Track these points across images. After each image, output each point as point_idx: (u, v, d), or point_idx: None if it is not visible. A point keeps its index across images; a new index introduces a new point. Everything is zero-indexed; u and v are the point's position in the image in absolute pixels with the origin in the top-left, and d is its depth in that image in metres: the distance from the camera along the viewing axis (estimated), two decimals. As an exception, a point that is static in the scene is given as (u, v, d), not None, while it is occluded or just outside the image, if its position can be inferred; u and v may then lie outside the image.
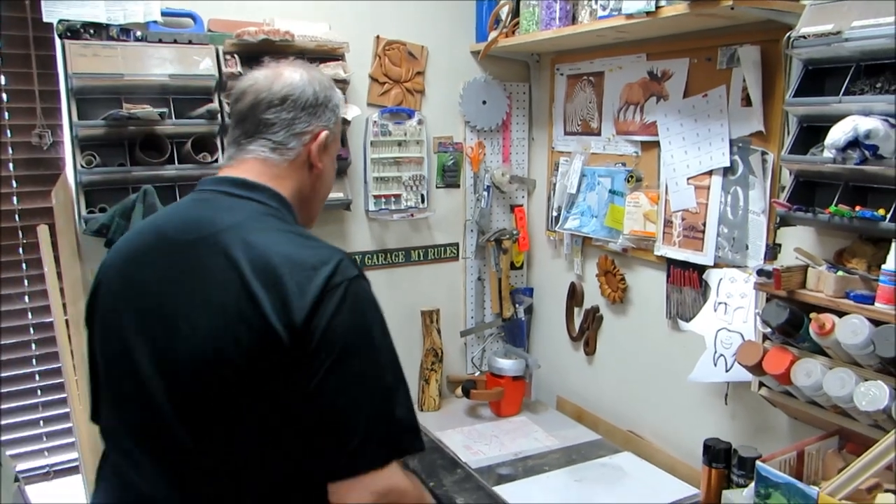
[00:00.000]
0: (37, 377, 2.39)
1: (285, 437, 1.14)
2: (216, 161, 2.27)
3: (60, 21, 2.07)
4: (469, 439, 2.50)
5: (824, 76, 1.72)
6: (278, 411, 1.13)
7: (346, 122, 2.44)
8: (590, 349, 2.71)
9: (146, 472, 1.19)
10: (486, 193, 2.86)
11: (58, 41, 2.10)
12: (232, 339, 1.10)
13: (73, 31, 2.08)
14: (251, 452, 1.15)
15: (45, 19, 2.06)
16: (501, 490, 2.12)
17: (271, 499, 1.17)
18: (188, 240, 1.20)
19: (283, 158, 1.30)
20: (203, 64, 2.23)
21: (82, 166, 2.12)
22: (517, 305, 2.97)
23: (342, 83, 2.43)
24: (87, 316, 1.35)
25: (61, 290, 2.18)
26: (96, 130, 2.12)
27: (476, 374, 2.92)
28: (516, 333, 2.98)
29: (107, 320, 1.27)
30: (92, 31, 2.11)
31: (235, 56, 2.28)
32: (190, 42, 2.24)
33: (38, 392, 2.40)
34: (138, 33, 2.17)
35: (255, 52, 2.32)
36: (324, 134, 1.33)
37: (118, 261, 1.29)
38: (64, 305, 2.18)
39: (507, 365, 2.73)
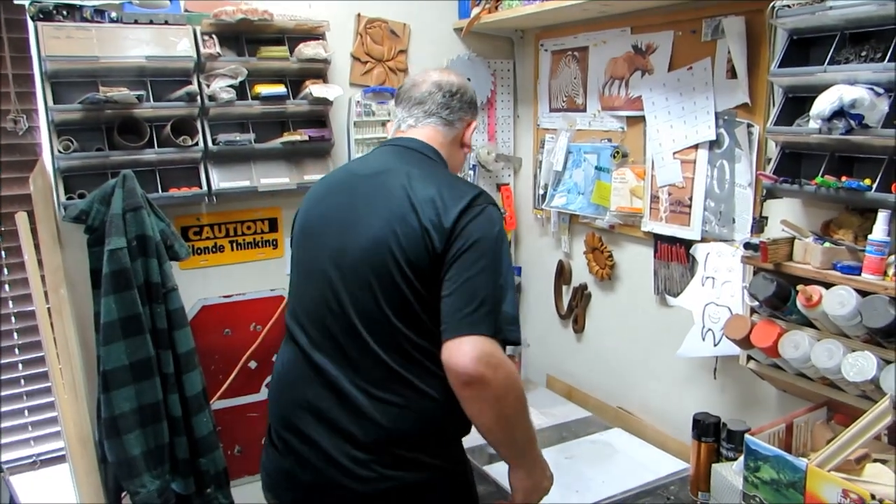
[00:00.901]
0: (20, 366, 2.37)
1: (423, 308, 1.49)
2: (196, 144, 2.24)
3: (32, 3, 2.02)
4: (459, 419, 2.49)
5: (809, 46, 1.71)
6: (421, 288, 1.48)
7: (327, 103, 2.41)
8: (578, 327, 2.71)
9: (316, 342, 1.58)
10: (471, 172, 2.83)
11: (30, 23, 2.05)
12: (391, 231, 1.49)
13: (46, 13, 2.04)
14: (396, 322, 1.49)
15: (16, 1, 2.02)
16: (492, 469, 2.11)
17: (408, 364, 1.51)
18: (373, 172, 1.63)
19: (447, 131, 1.73)
20: (180, 45, 2.19)
21: (59, 152, 2.08)
22: (505, 285, 2.95)
23: (322, 63, 2.40)
24: (291, 236, 1.76)
25: (42, 277, 2.15)
26: (73, 115, 2.09)
27: None
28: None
29: (305, 235, 1.68)
30: (65, 13, 2.06)
31: (213, 36, 2.25)
32: (166, 23, 2.20)
33: (22, 381, 2.38)
34: (113, 14, 2.12)
35: (234, 32, 2.30)
36: (474, 123, 1.79)
37: (320, 191, 1.75)
38: (46, 293, 2.15)
39: None
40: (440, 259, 1.46)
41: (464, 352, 1.38)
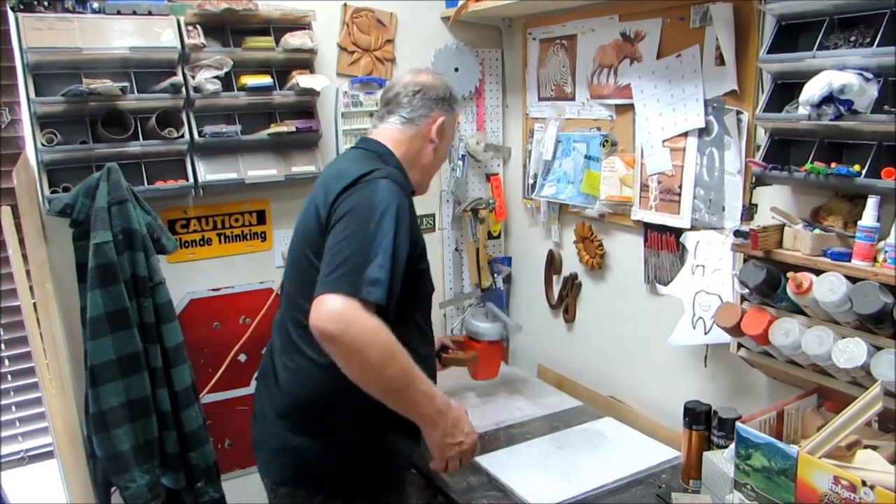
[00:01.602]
0: (6, 362, 2.35)
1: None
2: (182, 136, 2.22)
3: (12, -7, 1.99)
4: (450, 410, 2.48)
5: (798, 32, 1.70)
6: (317, 262, 1.60)
7: (314, 93, 2.39)
8: (569, 316, 2.70)
9: (276, 321, 1.88)
10: (461, 163, 2.82)
11: (11, 14, 2.02)
12: (302, 218, 1.78)
13: (27, 4, 2.01)
14: (298, 296, 1.69)
15: (-5, -8, 1.99)
16: (483, 460, 2.11)
17: (300, 332, 1.68)
18: (329, 174, 1.79)
19: (408, 128, 1.85)
20: (164, 36, 2.16)
21: (43, 145, 2.06)
22: (496, 275, 2.95)
23: (309, 53, 2.38)
24: None
25: (27, 272, 2.13)
26: (56, 107, 2.06)
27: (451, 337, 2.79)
28: (496, 303, 2.96)
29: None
30: (46, 4, 2.04)
31: (198, 27, 2.22)
32: (150, 13, 2.17)
33: (9, 377, 2.35)
34: (95, 5, 2.10)
35: (218, 23, 2.27)
36: (441, 119, 1.86)
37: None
38: (31, 288, 2.13)
39: (484, 328, 2.55)
40: (325, 233, 1.61)
41: (318, 310, 1.47)
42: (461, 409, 1.72)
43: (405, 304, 1.64)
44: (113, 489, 2.15)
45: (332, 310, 1.46)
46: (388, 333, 1.49)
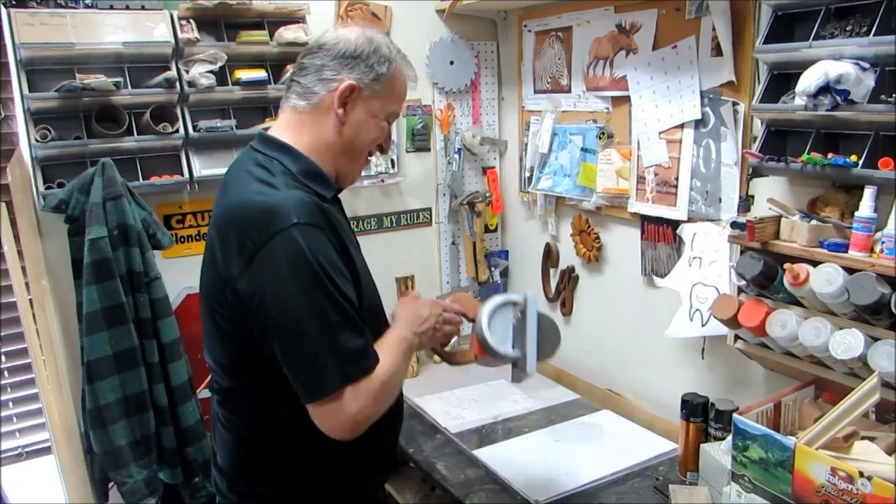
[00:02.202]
0: (2, 358, 2.34)
1: None
2: (177, 132, 2.21)
3: (4, -12, 1.99)
4: (448, 405, 2.48)
5: (794, 22, 1.69)
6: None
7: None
8: (566, 309, 2.70)
9: None
10: (457, 156, 2.82)
11: (3, 10, 2.01)
12: (211, 278, 1.43)
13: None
14: (218, 356, 1.53)
15: (-14, -13, 1.98)
16: (481, 453, 2.11)
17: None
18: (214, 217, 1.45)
19: (307, 104, 1.42)
20: (157, 30, 2.15)
21: (37, 140, 2.05)
22: (493, 269, 2.94)
23: (303, 46, 2.36)
24: None
25: (23, 268, 2.12)
26: (49, 103, 2.06)
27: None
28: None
29: None
30: (38, -1, 2.03)
31: (191, 21, 2.21)
32: (143, 8, 2.17)
33: (6, 373, 2.35)
34: (87, 0, 2.08)
35: (212, 17, 2.26)
36: (346, 84, 1.40)
37: None
38: (27, 284, 2.13)
39: (504, 350, 1.80)
40: (239, 303, 1.37)
41: (325, 426, 1.35)
42: (412, 309, 1.55)
43: None
44: (110, 485, 2.15)
45: (340, 421, 1.31)
46: (379, 386, 1.35)
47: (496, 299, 1.66)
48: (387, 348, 1.42)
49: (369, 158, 1.56)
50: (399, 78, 1.48)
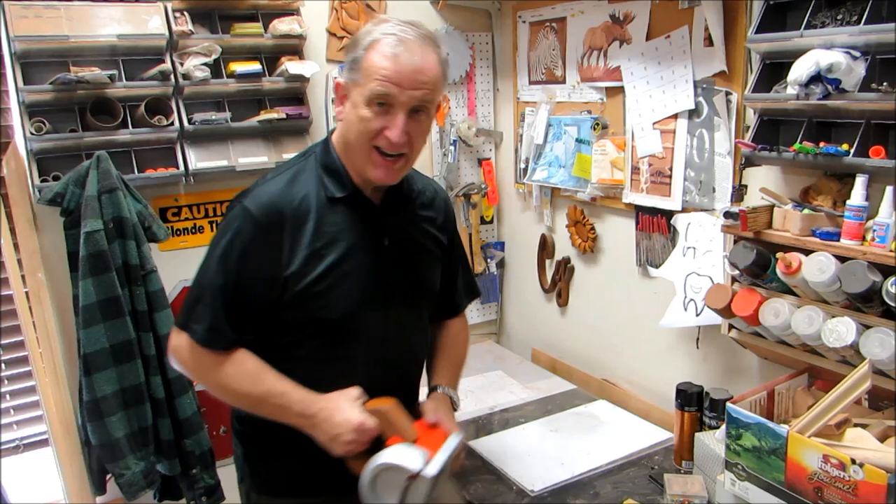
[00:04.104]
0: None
1: None
2: (172, 124, 2.21)
3: (-2, -19, 1.98)
4: (444, 395, 2.49)
5: (786, 11, 1.69)
6: None
7: (304, 80, 2.38)
8: (562, 300, 2.71)
9: None
10: (452, 148, 2.82)
11: (-4, 3, 2.01)
12: None
13: (13, -8, 2.00)
14: None
15: (-20, -20, 1.97)
16: (478, 444, 2.12)
17: None
18: None
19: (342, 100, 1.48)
20: (152, 22, 2.15)
21: (32, 133, 2.05)
22: (489, 260, 2.95)
23: (298, 38, 2.37)
24: None
25: (19, 261, 2.12)
26: (44, 95, 2.06)
27: None
28: (489, 288, 2.97)
29: None
30: (32, -9, 2.02)
31: (185, 13, 2.21)
32: (136, 0, 2.15)
33: (3, 366, 2.35)
34: (81, -8, 2.08)
35: (206, 9, 2.27)
36: (334, 82, 1.52)
37: None
38: (23, 277, 2.13)
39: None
40: None
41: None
42: (334, 402, 1.45)
43: (286, 334, 1.50)
44: (108, 476, 2.15)
45: (171, 343, 1.53)
46: (209, 369, 1.49)
47: (393, 457, 1.41)
48: (281, 387, 1.47)
49: (384, 155, 1.43)
50: (371, 56, 1.38)
